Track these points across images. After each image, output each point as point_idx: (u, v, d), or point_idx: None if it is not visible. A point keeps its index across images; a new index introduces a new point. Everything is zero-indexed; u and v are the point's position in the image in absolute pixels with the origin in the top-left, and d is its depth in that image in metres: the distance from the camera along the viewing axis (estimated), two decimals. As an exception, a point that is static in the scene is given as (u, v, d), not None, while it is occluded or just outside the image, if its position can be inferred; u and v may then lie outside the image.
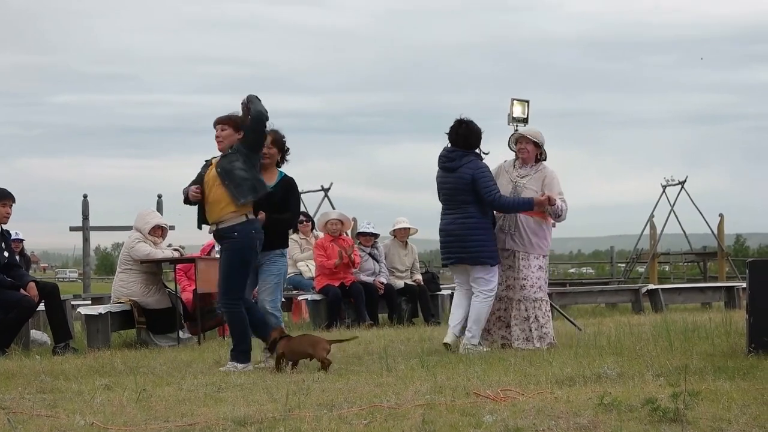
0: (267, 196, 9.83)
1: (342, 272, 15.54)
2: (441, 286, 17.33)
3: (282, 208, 10.16)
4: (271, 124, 9.93)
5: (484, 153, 11.08)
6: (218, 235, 9.78)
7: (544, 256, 11.17)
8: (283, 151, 10.35)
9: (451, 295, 16.88)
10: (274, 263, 10.22)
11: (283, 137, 10.32)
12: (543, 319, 11.04)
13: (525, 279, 11.05)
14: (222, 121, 9.85)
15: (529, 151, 11.17)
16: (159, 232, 13.28)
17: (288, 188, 10.30)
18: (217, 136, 9.91)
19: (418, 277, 16.58)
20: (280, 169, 10.34)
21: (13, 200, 12.20)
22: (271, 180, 10.13)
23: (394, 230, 16.78)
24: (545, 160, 11.29)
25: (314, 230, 17.58)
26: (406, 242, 16.78)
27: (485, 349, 10.79)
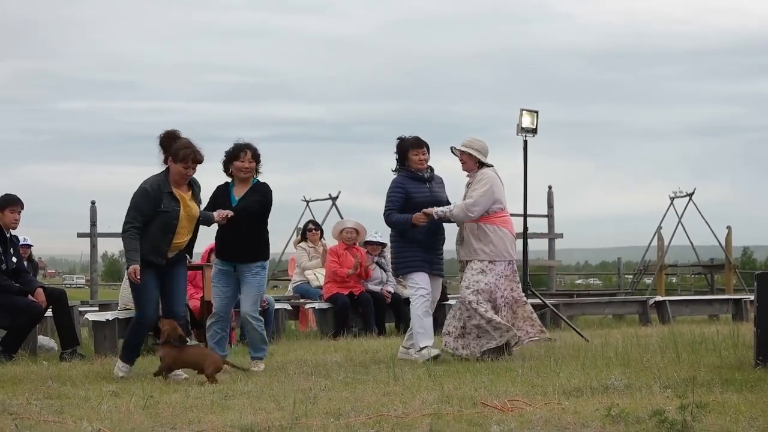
0: (245, 209, 10.26)
1: (352, 281, 15.52)
2: (448, 296, 17.29)
3: (259, 211, 10.49)
4: (240, 139, 10.46)
5: (393, 170, 11.45)
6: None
7: (490, 261, 11.09)
8: (258, 163, 10.56)
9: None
10: (256, 275, 10.51)
11: (258, 152, 10.55)
12: (472, 321, 11.02)
13: (464, 282, 11.17)
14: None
15: (465, 161, 11.21)
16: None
17: (261, 191, 10.53)
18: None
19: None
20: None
21: (22, 206, 12.22)
22: (239, 193, 10.49)
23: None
24: (491, 166, 11.25)
25: (322, 238, 17.59)
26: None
27: (437, 353, 11.03)
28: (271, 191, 10.61)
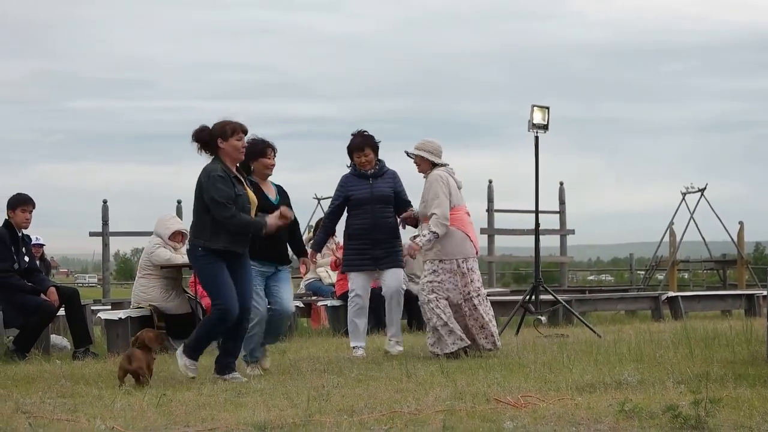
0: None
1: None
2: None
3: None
4: (256, 135, 10.12)
5: (347, 166, 11.73)
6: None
7: (440, 261, 11.14)
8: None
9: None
10: (288, 274, 10.49)
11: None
12: (432, 322, 11.12)
13: (419, 283, 11.47)
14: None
15: (419, 163, 11.26)
16: (179, 237, 13.29)
17: (286, 194, 10.42)
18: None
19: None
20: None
21: (33, 206, 12.25)
22: (270, 192, 10.25)
23: (414, 237, 16.73)
24: (445, 165, 11.27)
25: (334, 236, 17.56)
26: (426, 248, 16.72)
27: (360, 354, 11.49)
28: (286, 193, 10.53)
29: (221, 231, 9.19)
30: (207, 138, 9.34)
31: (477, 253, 11.43)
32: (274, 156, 10.28)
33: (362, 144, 11.53)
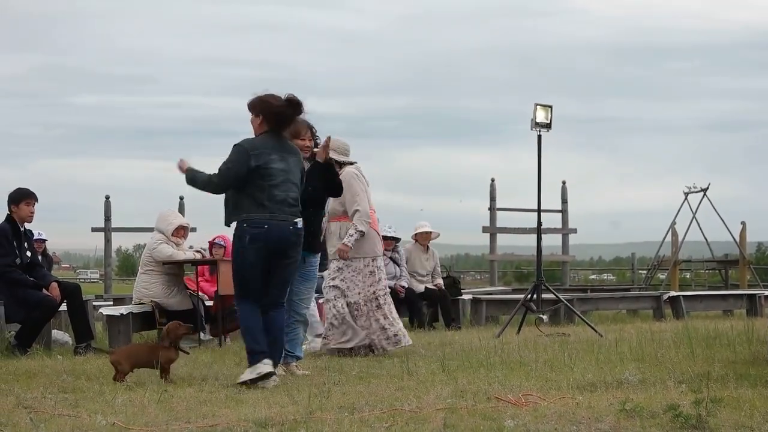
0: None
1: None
2: (462, 291, 17.31)
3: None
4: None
5: None
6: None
7: (351, 259, 11.20)
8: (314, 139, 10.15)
9: (472, 300, 16.95)
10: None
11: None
12: (329, 319, 11.30)
13: (325, 279, 11.50)
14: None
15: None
16: (181, 232, 13.29)
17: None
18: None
19: (439, 281, 16.57)
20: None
21: (36, 199, 12.25)
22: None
23: (416, 234, 16.77)
24: (353, 163, 11.27)
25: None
26: (428, 246, 16.76)
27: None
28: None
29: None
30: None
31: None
32: (312, 136, 9.98)
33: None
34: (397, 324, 11.38)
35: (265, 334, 8.78)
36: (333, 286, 11.20)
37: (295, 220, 8.85)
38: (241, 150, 8.74)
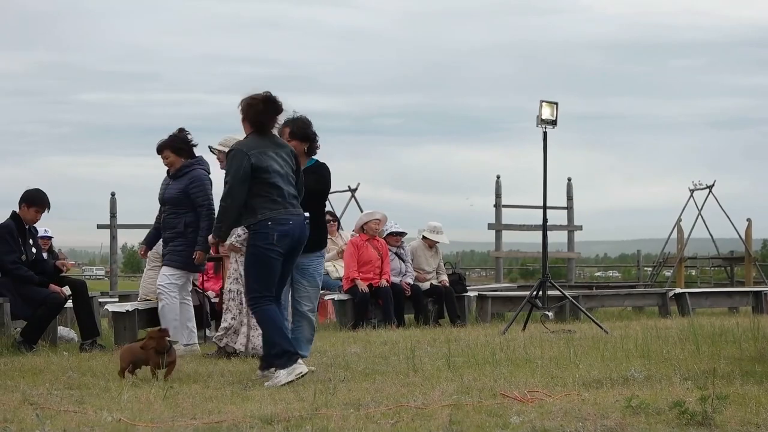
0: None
1: (372, 273, 15.50)
2: (468, 288, 17.30)
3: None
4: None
5: None
6: None
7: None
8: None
9: (478, 297, 16.94)
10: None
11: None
12: (229, 315, 11.22)
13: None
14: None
15: (222, 159, 10.91)
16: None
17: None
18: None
19: (444, 278, 16.55)
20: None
21: (46, 208, 12.22)
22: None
23: (426, 238, 16.67)
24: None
25: (340, 229, 17.60)
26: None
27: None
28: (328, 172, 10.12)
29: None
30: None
31: None
32: (290, 136, 9.80)
33: (158, 149, 11.62)
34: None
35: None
36: (235, 284, 11.15)
37: (306, 214, 8.98)
38: (237, 153, 8.86)
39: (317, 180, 9.89)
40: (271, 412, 6.66)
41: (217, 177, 11.06)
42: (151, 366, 8.88)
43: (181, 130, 11.69)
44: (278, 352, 8.69)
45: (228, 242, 10.75)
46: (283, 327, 8.88)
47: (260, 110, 8.94)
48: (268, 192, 8.78)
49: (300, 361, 8.69)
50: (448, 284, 16.43)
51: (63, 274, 12.41)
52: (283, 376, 8.53)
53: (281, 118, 9.31)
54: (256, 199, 8.78)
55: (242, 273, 10.67)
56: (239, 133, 9.44)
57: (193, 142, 11.66)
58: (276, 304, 8.91)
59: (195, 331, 11.74)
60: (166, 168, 11.68)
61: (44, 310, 11.78)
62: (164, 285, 11.42)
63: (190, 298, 11.81)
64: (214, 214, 11.11)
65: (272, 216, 8.77)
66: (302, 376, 8.56)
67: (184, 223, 11.36)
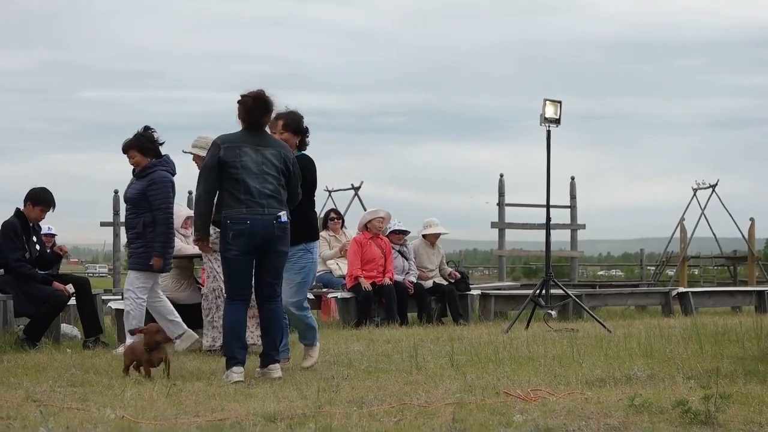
0: None
1: (375, 271, 15.49)
2: (471, 286, 17.29)
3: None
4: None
5: None
6: None
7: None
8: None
9: (481, 295, 16.93)
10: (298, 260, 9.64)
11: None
12: (215, 316, 11.21)
13: None
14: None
15: (196, 161, 11.00)
16: (189, 223, 13.27)
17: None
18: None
19: (451, 270, 16.52)
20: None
21: (51, 207, 12.25)
22: None
23: (426, 234, 16.69)
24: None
25: (344, 227, 17.59)
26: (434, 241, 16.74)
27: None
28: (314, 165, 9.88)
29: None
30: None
31: None
32: (284, 128, 9.68)
33: (123, 149, 11.50)
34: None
35: (243, 336, 8.90)
36: (220, 285, 11.14)
37: (279, 213, 8.89)
38: (213, 144, 9.01)
39: (302, 172, 9.63)
40: (274, 409, 6.67)
41: (192, 177, 10.97)
42: (144, 364, 8.88)
43: (147, 129, 11.57)
44: (226, 352, 8.88)
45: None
46: (236, 330, 8.84)
47: (249, 107, 8.99)
48: (233, 188, 8.80)
49: (239, 369, 8.66)
50: (458, 276, 16.41)
51: (62, 256, 12.51)
52: (224, 378, 8.66)
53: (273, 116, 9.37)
54: (224, 195, 8.86)
55: (218, 271, 10.74)
56: (215, 134, 9.39)
57: (159, 141, 11.56)
58: (243, 304, 8.90)
59: (179, 320, 11.59)
60: (132, 167, 11.52)
61: (47, 307, 11.79)
62: (131, 290, 11.22)
63: (161, 295, 11.68)
64: (171, 217, 11.21)
65: (229, 214, 8.79)
66: (234, 383, 8.47)
67: (142, 224, 11.22)
